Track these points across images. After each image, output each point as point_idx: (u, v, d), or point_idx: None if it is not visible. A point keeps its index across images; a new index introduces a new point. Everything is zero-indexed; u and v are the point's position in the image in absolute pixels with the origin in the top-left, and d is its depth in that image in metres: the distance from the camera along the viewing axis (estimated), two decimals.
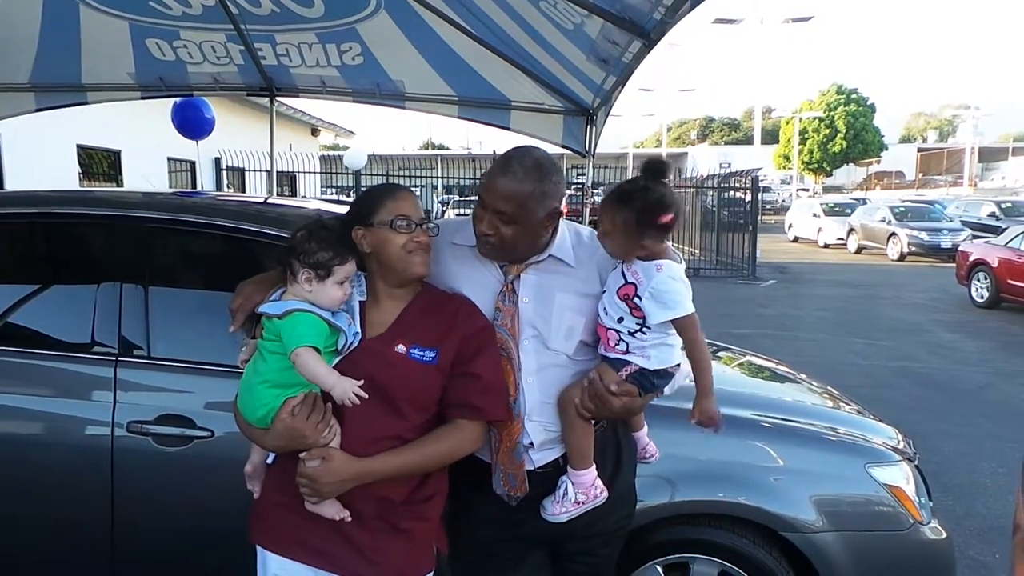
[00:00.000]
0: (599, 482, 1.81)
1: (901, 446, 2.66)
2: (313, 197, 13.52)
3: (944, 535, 2.43)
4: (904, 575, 2.37)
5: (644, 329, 1.73)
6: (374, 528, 1.68)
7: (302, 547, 1.69)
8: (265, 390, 1.64)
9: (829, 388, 3.26)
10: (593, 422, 1.81)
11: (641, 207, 1.71)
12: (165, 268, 2.56)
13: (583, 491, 1.79)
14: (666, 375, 1.80)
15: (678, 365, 1.80)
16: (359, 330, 1.70)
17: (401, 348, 1.69)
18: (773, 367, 3.50)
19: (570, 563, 1.94)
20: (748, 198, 16.54)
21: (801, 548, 2.28)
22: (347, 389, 1.59)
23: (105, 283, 2.40)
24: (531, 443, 1.81)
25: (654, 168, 1.77)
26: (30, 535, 2.32)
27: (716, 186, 17.87)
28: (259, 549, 1.75)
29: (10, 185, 8.50)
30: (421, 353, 1.69)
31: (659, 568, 2.34)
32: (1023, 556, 1.62)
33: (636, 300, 1.72)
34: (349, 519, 1.65)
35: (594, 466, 1.81)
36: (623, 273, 1.77)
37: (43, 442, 2.34)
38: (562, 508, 1.79)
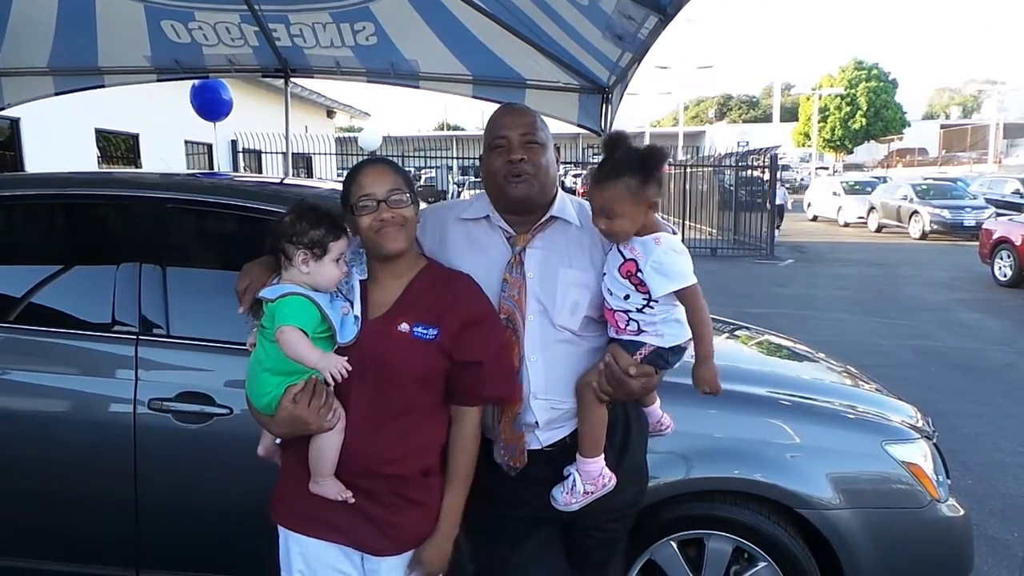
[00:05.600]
0: (606, 470, 1.81)
1: (920, 424, 2.65)
2: (329, 178, 13.54)
3: (961, 513, 2.42)
4: (921, 552, 2.37)
5: (651, 303, 1.73)
6: (389, 504, 1.70)
7: (319, 522, 1.72)
8: (268, 378, 1.65)
9: (848, 367, 3.24)
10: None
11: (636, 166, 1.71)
12: (183, 248, 2.59)
13: (591, 481, 1.79)
14: (679, 351, 1.80)
15: (690, 339, 1.80)
16: (359, 314, 1.69)
17: (404, 327, 1.68)
18: (791, 346, 3.48)
19: (581, 536, 1.95)
20: (767, 176, 16.37)
21: (817, 525, 2.28)
22: (332, 364, 1.59)
23: (125, 263, 2.43)
24: (536, 422, 1.81)
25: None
26: (56, 510, 2.37)
27: (734, 164, 17.69)
28: (280, 529, 1.78)
29: (30, 169, 8.60)
30: (424, 331, 1.68)
31: (674, 544, 2.35)
32: None
33: (639, 275, 1.72)
34: (352, 500, 1.67)
35: (602, 456, 1.81)
36: (620, 252, 1.77)
37: (67, 419, 2.38)
38: (572, 499, 1.80)
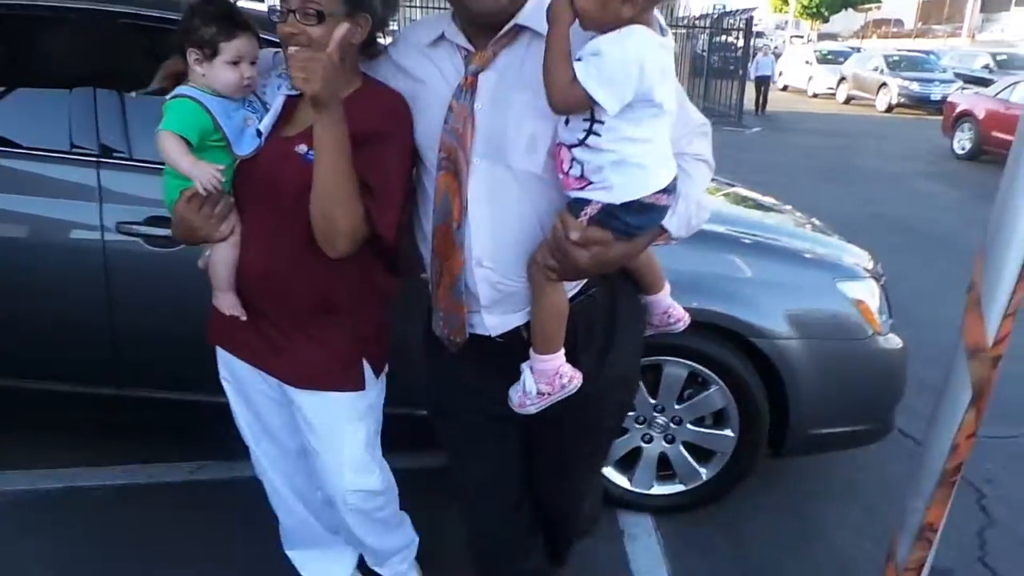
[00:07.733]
0: (566, 369, 1.46)
1: (871, 267, 2.77)
2: None
3: (900, 345, 2.61)
4: (859, 377, 2.56)
5: (596, 127, 1.27)
6: (284, 328, 1.71)
7: (230, 341, 1.79)
8: (170, 180, 1.61)
9: (813, 220, 3.33)
10: (575, 292, 1.48)
11: None
12: (139, 68, 2.47)
13: (545, 381, 1.46)
14: (642, 209, 1.32)
15: (666, 191, 1.33)
16: (263, 129, 1.58)
17: (302, 148, 1.53)
18: (758, 197, 3.54)
19: (550, 445, 1.69)
20: (740, 43, 15.95)
21: (767, 352, 2.42)
22: (203, 173, 1.53)
23: (79, 87, 2.32)
24: (478, 297, 1.46)
25: None
26: (38, 335, 2.41)
27: (708, 27, 17.14)
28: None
29: None
30: None
31: None
32: None
33: None
34: (244, 317, 1.69)
35: (562, 352, 1.46)
36: None
37: (34, 243, 2.35)
38: (527, 400, 1.48)
